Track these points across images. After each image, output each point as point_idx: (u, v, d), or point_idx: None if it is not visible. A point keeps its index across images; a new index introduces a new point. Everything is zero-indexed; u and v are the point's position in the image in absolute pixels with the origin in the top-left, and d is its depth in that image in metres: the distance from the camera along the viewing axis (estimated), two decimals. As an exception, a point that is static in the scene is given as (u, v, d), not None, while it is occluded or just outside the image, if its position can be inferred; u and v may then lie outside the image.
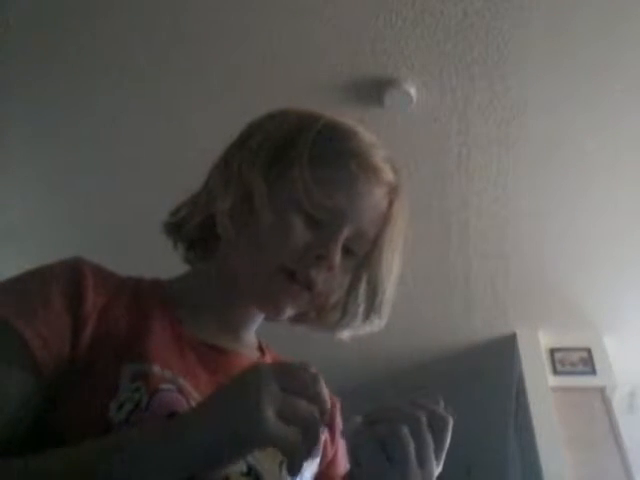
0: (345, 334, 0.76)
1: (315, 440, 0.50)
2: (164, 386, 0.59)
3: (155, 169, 2.30)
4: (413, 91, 1.98)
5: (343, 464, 0.77)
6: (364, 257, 0.71)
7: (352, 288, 0.72)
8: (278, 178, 0.68)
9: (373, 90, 2.00)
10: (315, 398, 0.50)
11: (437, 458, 0.54)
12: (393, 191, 0.74)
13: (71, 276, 0.63)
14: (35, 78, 2.05)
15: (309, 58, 1.93)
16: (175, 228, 0.74)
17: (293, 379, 0.50)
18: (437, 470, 0.55)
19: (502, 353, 3.04)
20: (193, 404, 0.60)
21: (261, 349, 0.79)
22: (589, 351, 2.92)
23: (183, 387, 0.61)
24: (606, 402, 2.80)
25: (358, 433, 0.54)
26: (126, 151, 2.29)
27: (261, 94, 2.01)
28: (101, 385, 0.57)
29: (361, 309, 0.72)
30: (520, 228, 2.47)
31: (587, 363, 2.89)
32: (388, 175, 0.73)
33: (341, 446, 0.78)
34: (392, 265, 0.72)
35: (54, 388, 0.57)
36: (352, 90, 2.01)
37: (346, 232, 0.68)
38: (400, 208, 0.74)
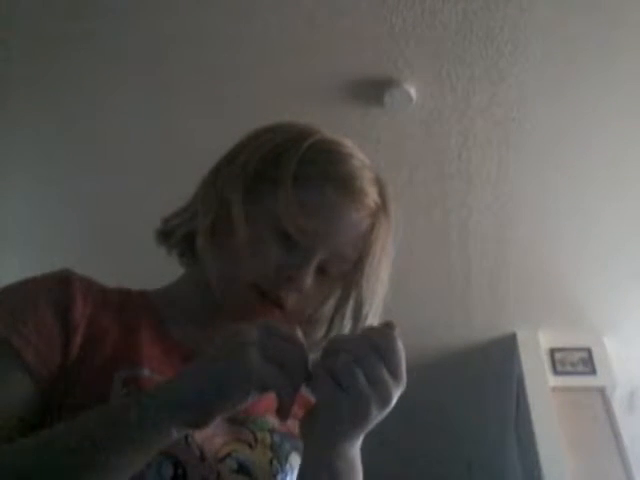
0: None
1: (302, 377, 0.52)
2: None
3: (157, 173, 2.30)
4: (413, 91, 1.99)
5: None
6: (348, 278, 0.71)
7: (339, 306, 0.72)
8: (260, 196, 0.69)
9: (373, 90, 2.00)
10: (296, 341, 0.53)
11: (394, 377, 0.53)
12: (377, 213, 0.72)
13: (59, 287, 0.64)
14: (36, 80, 2.05)
15: (309, 58, 1.93)
16: (164, 237, 0.75)
17: (273, 328, 0.53)
18: (397, 390, 0.54)
19: (502, 353, 3.04)
20: None
21: None
22: (589, 351, 2.92)
23: None
24: (606, 402, 2.80)
25: (313, 369, 0.54)
26: (128, 154, 2.29)
27: (261, 94, 2.02)
28: (92, 392, 0.58)
29: (347, 326, 0.72)
30: (520, 228, 2.47)
31: (587, 363, 2.89)
32: (373, 199, 0.72)
33: None
34: (376, 285, 0.72)
35: (47, 396, 0.58)
36: (352, 90, 2.01)
37: (320, 255, 0.68)
38: (384, 230, 0.72)
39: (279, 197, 0.67)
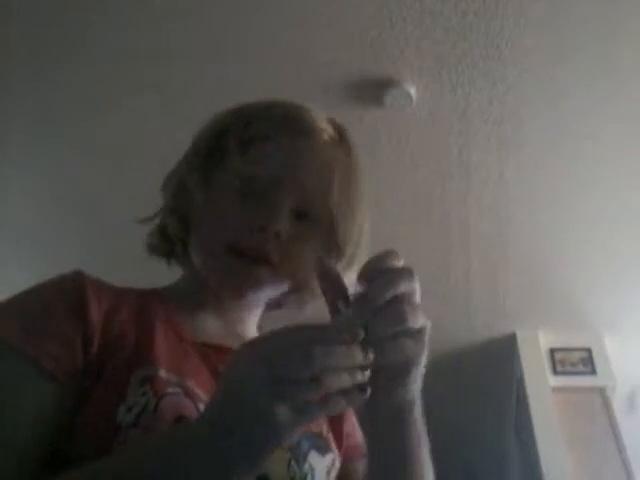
0: None
1: (336, 408, 0.44)
2: (171, 390, 0.60)
3: (159, 177, 2.29)
4: (413, 91, 1.98)
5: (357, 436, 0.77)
6: (322, 218, 0.69)
7: (322, 249, 0.70)
8: (215, 166, 0.70)
9: (373, 90, 2.00)
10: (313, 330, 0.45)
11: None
12: (334, 147, 0.72)
13: (72, 289, 0.63)
14: (37, 83, 2.05)
15: (309, 58, 1.93)
16: (152, 248, 0.76)
17: (282, 357, 0.43)
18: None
19: (502, 353, 3.04)
20: (201, 406, 0.60)
21: None
22: (589, 351, 2.92)
23: (189, 390, 0.61)
24: (606, 402, 2.80)
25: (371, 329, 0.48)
26: (130, 158, 2.29)
27: (262, 94, 2.01)
28: (111, 391, 0.58)
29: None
30: (520, 228, 2.47)
31: (587, 363, 2.89)
32: (328, 134, 0.72)
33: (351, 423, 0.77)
34: (351, 221, 0.71)
35: (70, 399, 0.57)
36: (352, 90, 2.01)
37: (288, 198, 0.68)
38: (345, 162, 0.72)
39: (232, 158, 0.69)
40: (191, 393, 0.61)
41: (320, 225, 0.70)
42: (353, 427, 0.77)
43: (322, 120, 0.73)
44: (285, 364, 0.43)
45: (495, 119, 2.07)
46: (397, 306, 0.48)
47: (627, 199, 2.31)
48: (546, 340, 2.96)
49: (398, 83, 1.96)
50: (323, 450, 0.68)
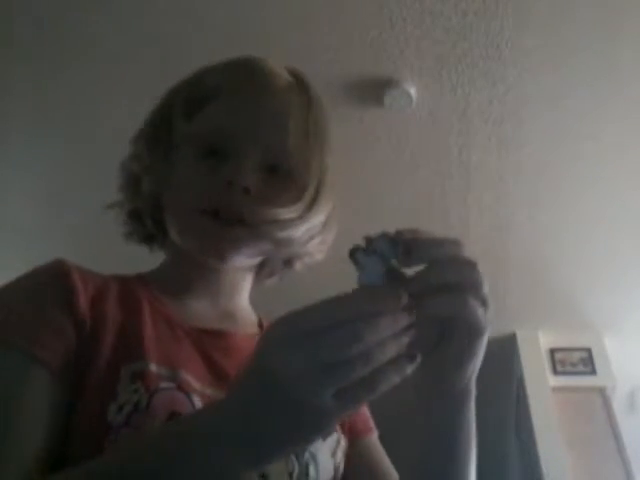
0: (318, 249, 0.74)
1: (387, 383, 0.39)
2: (163, 385, 0.58)
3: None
4: (413, 91, 1.98)
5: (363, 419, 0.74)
6: (289, 167, 0.67)
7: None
8: (171, 135, 0.69)
9: (373, 90, 2.00)
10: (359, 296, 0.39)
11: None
12: (291, 91, 0.70)
13: (58, 279, 0.61)
14: (38, 83, 2.05)
15: (309, 58, 1.93)
16: (129, 234, 0.75)
17: (325, 334, 0.37)
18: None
19: (502, 353, 3.04)
20: (195, 399, 0.59)
21: (261, 326, 0.77)
22: (589, 351, 2.92)
23: (183, 382, 0.60)
24: (606, 402, 2.80)
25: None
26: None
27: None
28: (100, 387, 0.56)
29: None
30: (520, 228, 2.47)
31: (587, 363, 2.89)
32: (284, 79, 0.70)
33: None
34: (315, 158, 0.68)
35: (65, 392, 0.56)
36: (352, 90, 2.01)
37: (251, 150, 0.65)
38: (303, 105, 0.69)
39: (181, 121, 0.67)
40: (185, 386, 0.59)
41: (290, 174, 0.67)
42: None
43: (276, 67, 0.72)
44: (331, 342, 0.37)
45: (495, 119, 2.07)
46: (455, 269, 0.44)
47: (627, 199, 2.31)
48: (546, 340, 2.96)
49: (398, 83, 1.96)
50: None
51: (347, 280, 0.48)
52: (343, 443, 0.68)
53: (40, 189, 2.50)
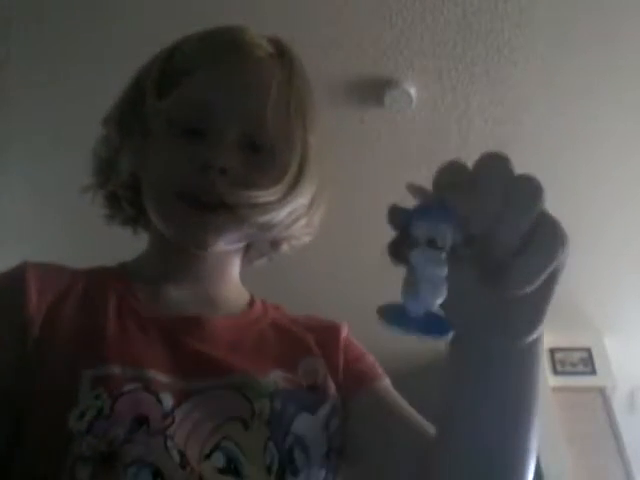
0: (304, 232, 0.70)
1: None
2: (128, 387, 0.55)
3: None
4: (413, 91, 1.98)
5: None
6: (269, 143, 0.63)
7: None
8: (142, 113, 0.65)
9: (373, 90, 2.00)
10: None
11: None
12: (272, 62, 0.66)
13: (11, 286, 0.59)
14: (38, 83, 2.05)
15: (309, 58, 1.91)
16: (110, 218, 0.72)
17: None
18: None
19: (502, 353, 3.03)
20: (163, 396, 0.55)
21: (252, 304, 0.73)
22: (589, 351, 2.92)
23: (150, 381, 0.56)
24: (606, 402, 2.80)
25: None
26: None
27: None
28: (59, 395, 0.53)
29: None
30: (520, 228, 2.47)
31: (587, 363, 2.90)
32: (264, 50, 0.66)
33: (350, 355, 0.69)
34: (297, 132, 0.64)
35: (13, 395, 0.54)
36: (352, 90, 2.01)
37: (229, 127, 0.61)
38: (283, 77, 0.66)
39: (151, 97, 0.63)
40: (152, 384, 0.56)
41: (271, 153, 0.63)
42: (354, 352, 0.70)
43: (256, 37, 0.67)
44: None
45: (495, 119, 2.07)
46: None
47: (628, 200, 2.31)
48: (546, 340, 2.92)
49: (398, 83, 1.96)
50: (317, 404, 0.61)
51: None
52: (339, 407, 0.63)
53: (40, 189, 2.50)
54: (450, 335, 0.35)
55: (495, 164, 0.40)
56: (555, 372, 2.88)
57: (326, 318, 0.74)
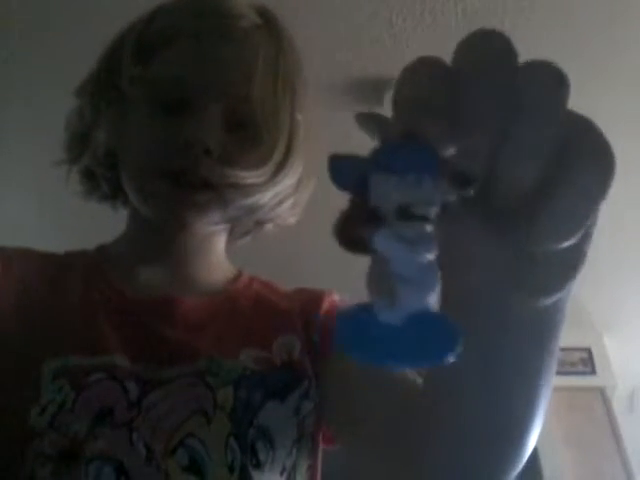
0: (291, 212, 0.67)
1: None
2: (92, 377, 0.52)
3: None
4: (413, 91, 1.98)
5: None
6: (256, 120, 0.59)
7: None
8: (119, 84, 0.60)
9: (373, 90, 2.00)
10: None
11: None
12: (260, 33, 0.61)
13: None
14: (37, 81, 2.05)
15: (309, 58, 1.92)
16: (86, 193, 0.70)
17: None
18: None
19: (502, 353, 3.04)
20: (129, 384, 0.53)
21: (235, 280, 0.69)
22: (589, 351, 2.92)
23: (116, 368, 0.53)
24: (606, 402, 2.80)
25: None
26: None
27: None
28: (19, 389, 0.51)
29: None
30: (520, 228, 2.47)
31: (587, 363, 2.89)
32: (250, 20, 0.61)
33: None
34: (284, 107, 0.60)
35: None
36: (352, 90, 2.01)
37: (212, 103, 0.57)
38: (270, 48, 0.62)
39: (129, 67, 0.59)
40: (118, 371, 0.53)
41: (257, 131, 0.59)
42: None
43: (242, 6, 0.61)
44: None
45: (495, 119, 2.07)
46: None
47: (629, 200, 2.31)
48: (546, 340, 2.96)
49: (398, 83, 1.96)
50: (288, 388, 0.57)
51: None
52: (314, 384, 0.59)
53: (40, 188, 2.50)
54: (457, 352, 0.22)
55: (487, 52, 0.25)
56: (555, 372, 2.88)
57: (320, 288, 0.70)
